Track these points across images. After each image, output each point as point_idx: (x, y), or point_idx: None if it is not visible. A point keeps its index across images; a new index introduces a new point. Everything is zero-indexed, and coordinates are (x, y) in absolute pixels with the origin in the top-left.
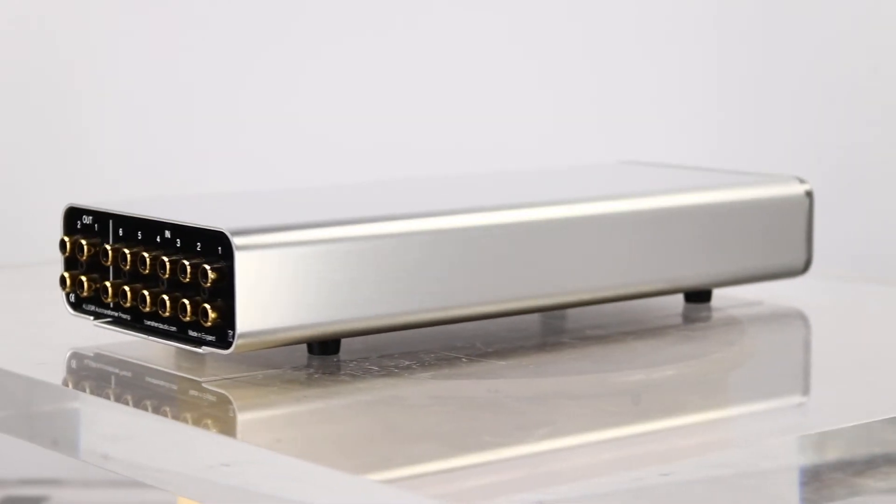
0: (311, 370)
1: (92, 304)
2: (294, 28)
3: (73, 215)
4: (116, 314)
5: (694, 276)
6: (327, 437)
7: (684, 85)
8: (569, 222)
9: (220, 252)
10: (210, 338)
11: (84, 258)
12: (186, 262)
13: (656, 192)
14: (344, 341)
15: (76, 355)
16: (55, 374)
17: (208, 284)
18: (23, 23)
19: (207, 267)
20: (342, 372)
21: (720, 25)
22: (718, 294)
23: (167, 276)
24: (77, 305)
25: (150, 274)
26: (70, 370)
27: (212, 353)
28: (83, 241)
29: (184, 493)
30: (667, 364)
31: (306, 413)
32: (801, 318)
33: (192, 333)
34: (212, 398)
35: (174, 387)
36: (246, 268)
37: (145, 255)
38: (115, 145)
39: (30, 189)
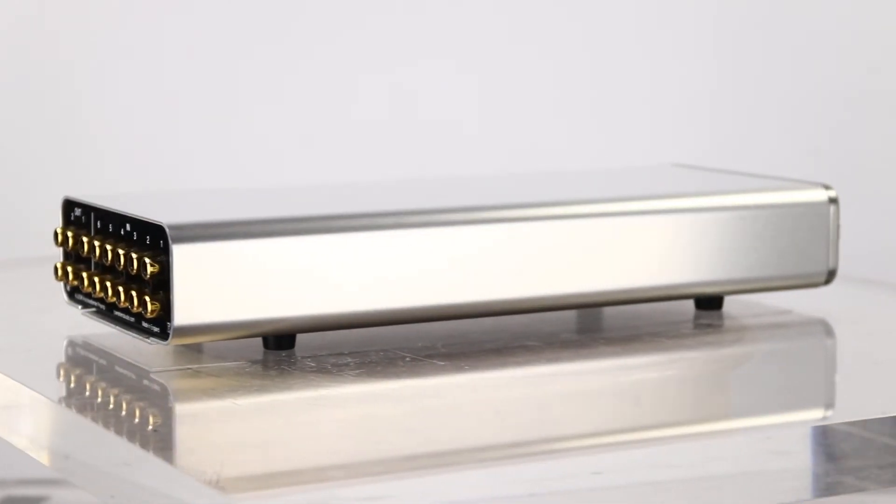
0: (250, 364)
1: (82, 294)
2: (297, 24)
3: (68, 207)
4: (97, 304)
5: (703, 283)
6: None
7: (733, 90)
8: (557, 223)
9: (161, 245)
10: (155, 329)
11: (70, 249)
12: (133, 255)
13: (664, 196)
14: (320, 335)
15: (49, 344)
16: (13, 361)
17: (148, 277)
18: (23, 19)
19: (147, 260)
20: (277, 367)
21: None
22: (739, 301)
23: (121, 268)
24: (72, 295)
25: (112, 266)
26: (31, 358)
27: (157, 344)
28: (69, 233)
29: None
30: (670, 364)
31: (209, 409)
32: (822, 325)
33: (144, 325)
34: (139, 389)
35: (128, 374)
36: (182, 261)
37: (107, 247)
38: (123, 141)
39: (51, 181)
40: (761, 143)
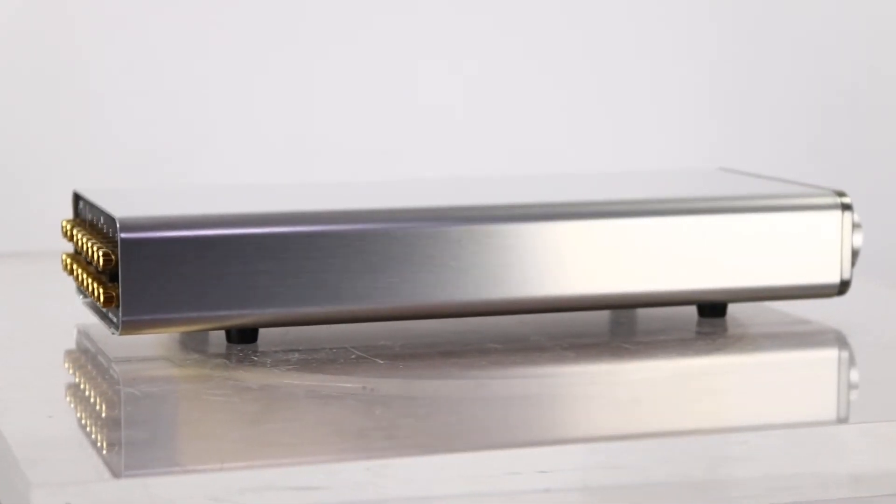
0: (205, 356)
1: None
2: (307, 25)
3: (76, 201)
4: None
5: (705, 289)
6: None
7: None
8: (521, 228)
9: (113, 237)
10: (114, 319)
11: (73, 241)
12: (96, 247)
13: (665, 201)
14: (296, 330)
15: (46, 332)
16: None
17: (103, 268)
18: (28, 16)
19: (104, 252)
20: (226, 360)
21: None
22: (756, 308)
23: (90, 259)
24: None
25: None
26: (20, 344)
27: (115, 334)
28: (72, 226)
29: None
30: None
31: (141, 397)
32: (834, 333)
33: (109, 315)
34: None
35: (85, 362)
36: (130, 254)
37: (85, 238)
38: (139, 136)
39: (71, 175)
40: (772, 145)
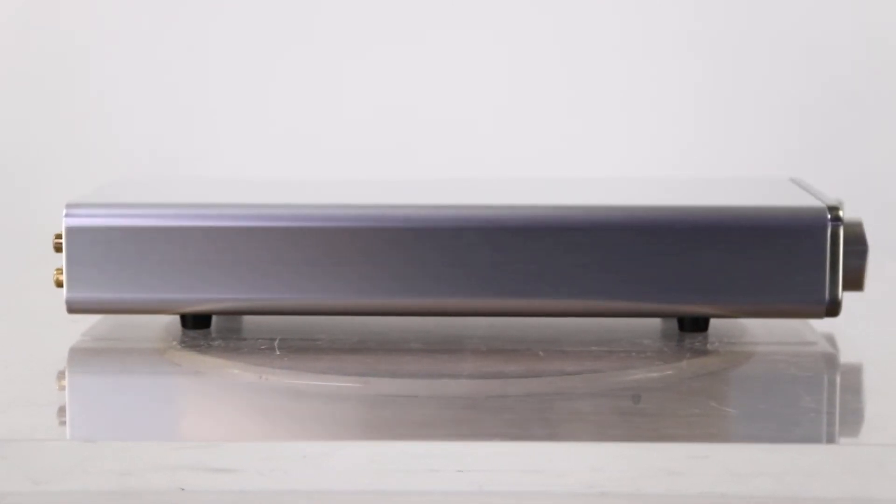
0: (165, 342)
1: None
2: (316, 29)
3: None
4: None
5: (678, 303)
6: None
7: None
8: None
9: None
10: None
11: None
12: (56, 233)
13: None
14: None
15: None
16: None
17: (56, 251)
18: (30, 13)
19: (54, 235)
20: (175, 344)
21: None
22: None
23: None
24: None
25: None
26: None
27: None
28: None
29: None
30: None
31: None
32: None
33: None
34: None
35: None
36: (73, 239)
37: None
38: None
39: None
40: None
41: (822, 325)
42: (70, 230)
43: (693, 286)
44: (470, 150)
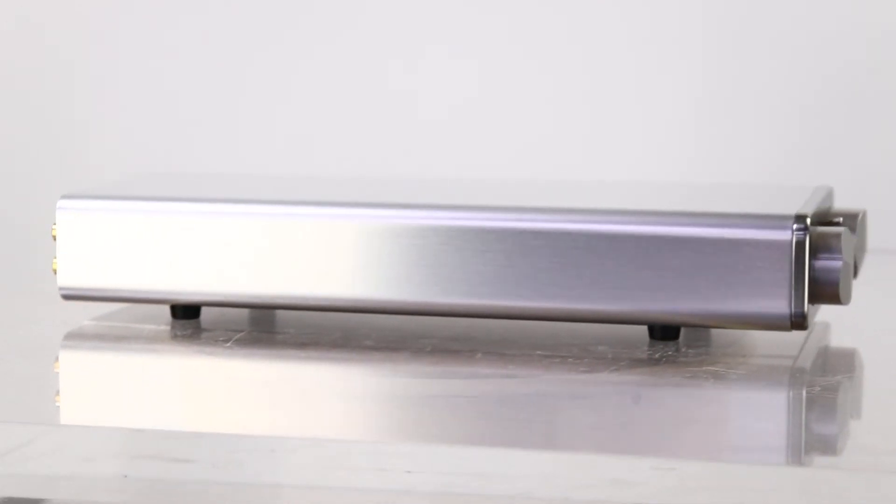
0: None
1: None
2: (304, 22)
3: None
4: None
5: (644, 309)
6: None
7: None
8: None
9: None
10: None
11: None
12: (52, 225)
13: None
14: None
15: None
16: None
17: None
18: (21, 18)
19: (51, 226)
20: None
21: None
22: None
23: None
24: None
25: None
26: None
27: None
28: None
29: None
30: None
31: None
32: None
33: None
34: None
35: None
36: (66, 228)
37: None
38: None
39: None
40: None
41: (817, 331)
42: (63, 221)
43: (659, 294)
44: (470, 150)
